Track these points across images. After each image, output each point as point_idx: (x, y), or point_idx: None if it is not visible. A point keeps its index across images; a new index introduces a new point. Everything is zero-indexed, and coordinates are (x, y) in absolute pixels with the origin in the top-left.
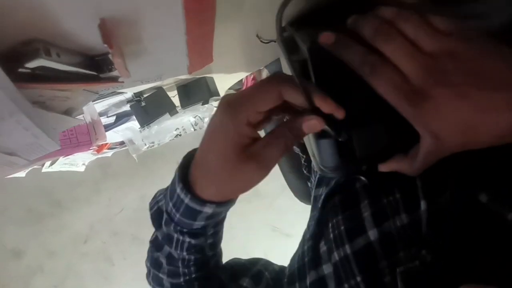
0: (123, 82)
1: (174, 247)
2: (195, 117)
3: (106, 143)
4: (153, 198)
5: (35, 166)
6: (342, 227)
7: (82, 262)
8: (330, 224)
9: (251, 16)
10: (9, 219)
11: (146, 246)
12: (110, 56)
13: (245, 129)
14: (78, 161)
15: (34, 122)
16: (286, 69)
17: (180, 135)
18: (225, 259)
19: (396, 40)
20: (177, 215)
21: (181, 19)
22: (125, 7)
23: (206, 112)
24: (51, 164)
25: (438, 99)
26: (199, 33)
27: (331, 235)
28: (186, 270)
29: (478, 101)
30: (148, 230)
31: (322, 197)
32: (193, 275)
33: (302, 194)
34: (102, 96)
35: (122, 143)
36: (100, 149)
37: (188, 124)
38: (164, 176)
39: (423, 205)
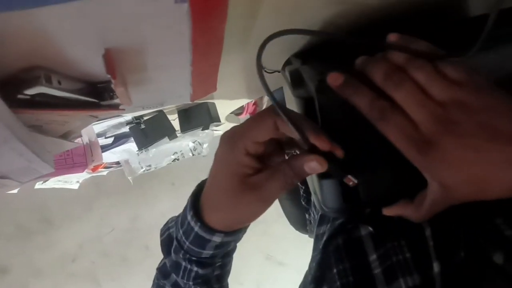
0: (124, 109)
1: (181, 276)
2: (194, 142)
3: (102, 163)
4: (164, 225)
5: None
6: (351, 278)
7: (68, 282)
8: (335, 270)
9: (257, 47)
10: None
11: (135, 268)
12: (112, 85)
13: (244, 159)
14: (72, 179)
15: (29, 148)
16: (290, 100)
17: (177, 159)
18: None
19: (407, 87)
20: (187, 243)
21: (187, 51)
22: (131, 38)
23: (205, 137)
24: (45, 181)
25: (447, 149)
26: (205, 64)
27: (338, 283)
28: None
29: (488, 154)
30: (137, 252)
31: (324, 238)
32: None
33: (298, 223)
34: (101, 118)
35: (118, 163)
36: (95, 168)
37: (187, 149)
38: (158, 197)
39: (436, 267)
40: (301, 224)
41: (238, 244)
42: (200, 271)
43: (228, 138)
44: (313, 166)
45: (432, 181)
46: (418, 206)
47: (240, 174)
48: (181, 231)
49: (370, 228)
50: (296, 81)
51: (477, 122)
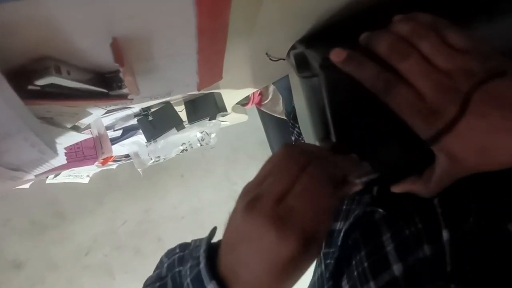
0: (132, 99)
1: None
2: (202, 132)
3: (112, 156)
4: (168, 255)
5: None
6: (366, 264)
7: (83, 275)
8: (353, 262)
9: (261, 35)
10: (12, 230)
11: (148, 259)
12: (120, 74)
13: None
14: (83, 173)
15: (41, 139)
16: (295, 86)
17: (186, 150)
18: None
19: (411, 58)
20: None
21: (193, 38)
22: (138, 26)
23: (213, 127)
24: (56, 175)
25: (453, 118)
26: (211, 52)
27: (355, 273)
28: None
29: (495, 121)
30: (149, 244)
31: (342, 233)
32: None
33: None
34: (110, 111)
35: (127, 156)
36: (105, 161)
37: (195, 139)
38: (168, 189)
39: (445, 234)
40: None
41: None
42: None
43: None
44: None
45: (440, 152)
46: (426, 181)
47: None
48: None
49: (381, 210)
50: (301, 63)
51: (483, 89)
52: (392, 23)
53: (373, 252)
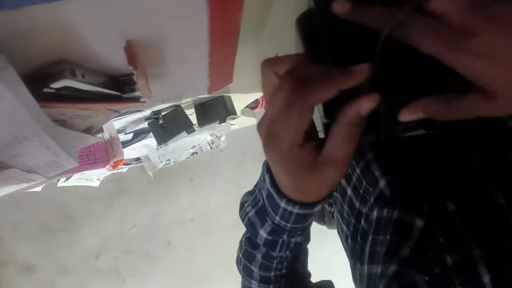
0: (145, 102)
1: (278, 250)
2: (211, 135)
3: (122, 159)
4: (241, 210)
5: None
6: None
7: (93, 278)
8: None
9: (271, 37)
10: (23, 234)
11: (157, 263)
12: (134, 77)
13: (302, 153)
14: (93, 176)
15: (56, 141)
16: None
17: (196, 153)
18: None
19: None
20: (289, 225)
21: (205, 41)
22: (151, 30)
23: (222, 130)
24: (67, 179)
25: (490, 39)
26: (222, 55)
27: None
28: (279, 266)
29: None
30: (159, 248)
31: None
32: (284, 271)
33: (315, 214)
34: (121, 114)
35: (137, 159)
36: (115, 165)
37: (205, 142)
38: (177, 193)
39: None
40: (318, 216)
41: None
42: (299, 238)
43: (269, 142)
44: (367, 106)
45: (476, 79)
46: (450, 101)
47: (307, 165)
48: (277, 218)
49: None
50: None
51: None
52: None
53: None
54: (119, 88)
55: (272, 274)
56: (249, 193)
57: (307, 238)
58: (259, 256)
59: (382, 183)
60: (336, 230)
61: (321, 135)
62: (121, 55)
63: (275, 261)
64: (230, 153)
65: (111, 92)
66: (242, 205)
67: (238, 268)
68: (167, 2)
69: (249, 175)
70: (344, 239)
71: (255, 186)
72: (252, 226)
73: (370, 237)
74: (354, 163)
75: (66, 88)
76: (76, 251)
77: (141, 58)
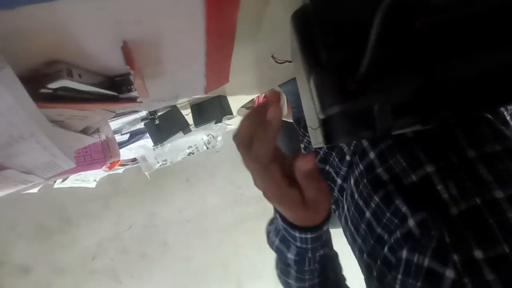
0: (141, 102)
1: (308, 264)
2: (208, 135)
3: (118, 160)
4: (268, 239)
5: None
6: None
7: (89, 279)
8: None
9: (267, 38)
10: (19, 235)
11: (154, 263)
12: (130, 77)
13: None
14: (90, 177)
15: (53, 142)
16: (302, 88)
17: (192, 153)
18: None
19: None
20: (309, 246)
21: (202, 41)
22: (148, 30)
23: (219, 130)
24: (63, 180)
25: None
26: (219, 55)
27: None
28: (311, 276)
29: None
30: (155, 248)
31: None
32: (316, 280)
33: None
34: (117, 114)
35: (133, 160)
36: (112, 166)
37: (201, 143)
38: (174, 193)
39: None
40: None
41: (254, 238)
42: (322, 251)
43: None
44: (304, 166)
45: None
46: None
47: (299, 203)
48: (298, 243)
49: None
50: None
51: None
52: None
53: None
54: (116, 88)
55: (307, 284)
56: (270, 223)
57: (329, 248)
58: (293, 272)
59: (411, 222)
60: (336, 230)
61: (318, 131)
62: (118, 55)
63: (306, 274)
64: (227, 153)
65: (108, 92)
66: (267, 235)
67: (280, 281)
68: (164, 2)
69: (246, 175)
70: (358, 251)
71: (273, 217)
72: (281, 252)
73: (399, 276)
74: (356, 161)
75: (63, 88)
76: (72, 252)
77: (138, 58)
